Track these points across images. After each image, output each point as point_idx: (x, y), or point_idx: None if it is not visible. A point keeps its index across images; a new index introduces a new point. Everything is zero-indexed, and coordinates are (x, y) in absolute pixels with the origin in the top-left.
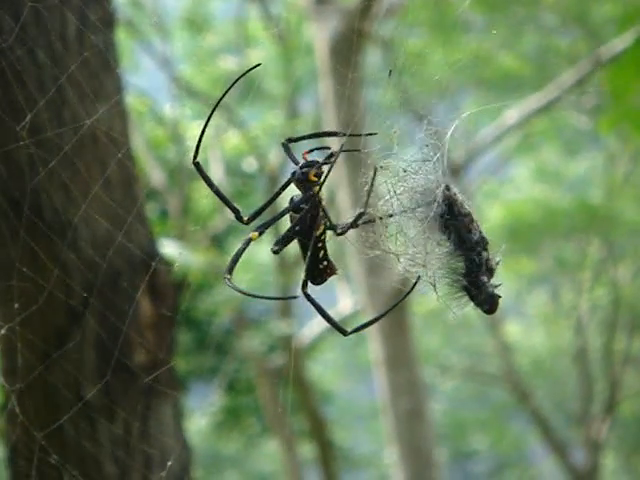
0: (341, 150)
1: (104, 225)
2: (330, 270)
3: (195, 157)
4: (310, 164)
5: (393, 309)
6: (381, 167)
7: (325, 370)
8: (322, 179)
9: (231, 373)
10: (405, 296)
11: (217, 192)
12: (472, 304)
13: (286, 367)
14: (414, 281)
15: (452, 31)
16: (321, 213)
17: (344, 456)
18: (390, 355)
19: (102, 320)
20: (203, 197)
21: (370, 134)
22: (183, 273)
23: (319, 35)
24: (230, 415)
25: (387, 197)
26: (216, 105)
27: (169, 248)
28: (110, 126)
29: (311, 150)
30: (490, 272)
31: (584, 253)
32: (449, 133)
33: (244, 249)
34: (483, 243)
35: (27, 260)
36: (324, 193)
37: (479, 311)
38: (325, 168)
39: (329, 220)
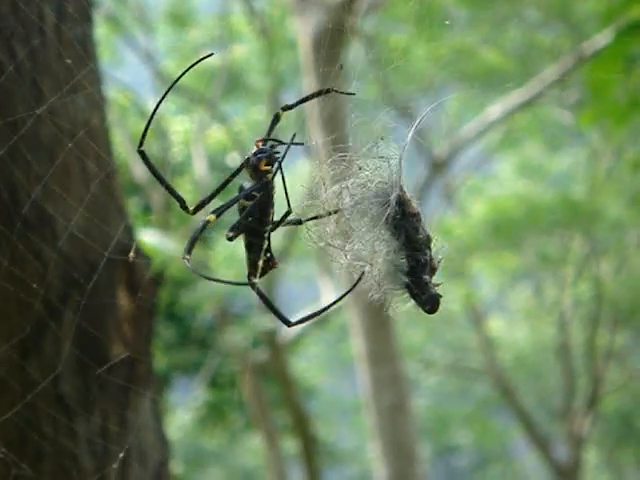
0: (291, 143)
1: (82, 219)
2: (272, 263)
3: (141, 144)
4: (263, 151)
5: (335, 304)
6: (335, 161)
7: (308, 365)
8: (274, 169)
9: (214, 368)
10: (347, 293)
11: (160, 179)
12: (413, 302)
13: (269, 362)
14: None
15: (436, 26)
16: (271, 203)
17: (327, 451)
18: (373, 350)
19: (80, 314)
20: (187, 192)
21: (350, 93)
22: (162, 267)
23: (302, 30)
24: (213, 410)
25: (338, 190)
26: (170, 87)
27: (150, 237)
28: (88, 119)
29: (265, 140)
30: (433, 271)
31: (567, 248)
32: (409, 135)
33: (201, 231)
34: (428, 242)
35: (5, 254)
36: (275, 184)
37: (420, 310)
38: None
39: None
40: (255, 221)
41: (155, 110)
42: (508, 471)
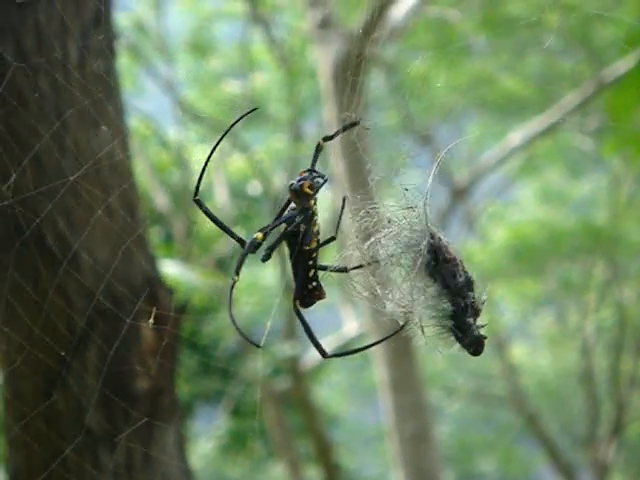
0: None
1: (106, 251)
2: (319, 293)
3: (196, 194)
4: (304, 178)
5: (374, 345)
6: (367, 212)
7: (331, 393)
8: (315, 191)
9: (237, 397)
10: (389, 337)
11: (223, 227)
12: (459, 345)
13: (291, 390)
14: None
15: (456, 54)
16: (314, 229)
17: (350, 479)
18: (395, 378)
19: (104, 346)
20: (208, 221)
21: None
22: (186, 298)
23: (322, 59)
24: (236, 439)
25: (371, 241)
26: (215, 145)
27: (173, 269)
28: (111, 152)
29: (309, 170)
30: (476, 313)
31: (589, 274)
32: (430, 177)
33: (249, 249)
34: (469, 285)
35: (30, 288)
36: (317, 209)
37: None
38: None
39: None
40: (297, 244)
41: (208, 159)
42: None
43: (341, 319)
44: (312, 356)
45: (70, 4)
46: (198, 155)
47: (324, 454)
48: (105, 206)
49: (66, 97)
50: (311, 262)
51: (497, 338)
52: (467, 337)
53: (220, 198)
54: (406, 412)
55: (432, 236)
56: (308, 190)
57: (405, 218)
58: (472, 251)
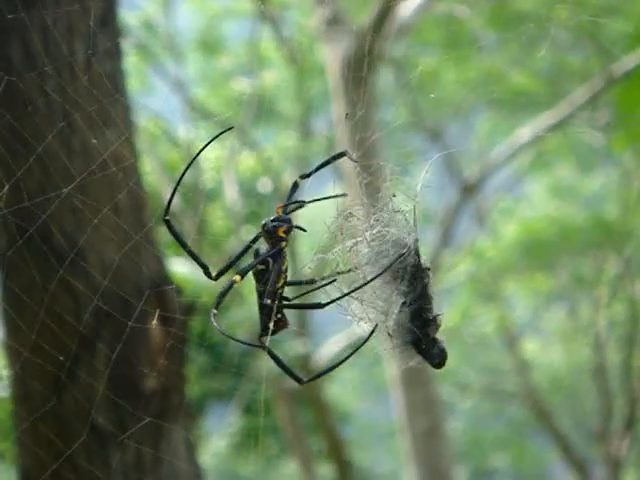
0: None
1: (113, 251)
2: (283, 323)
3: (166, 214)
4: (282, 219)
5: (348, 359)
6: (350, 214)
7: (342, 390)
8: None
9: (248, 394)
10: (361, 345)
11: (188, 250)
12: (420, 358)
13: (303, 387)
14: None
15: (464, 50)
16: (283, 267)
17: (363, 476)
18: (407, 374)
19: (112, 346)
20: (218, 219)
21: (355, 161)
22: (194, 296)
23: (331, 56)
24: (248, 436)
25: (357, 240)
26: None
27: (182, 268)
28: (118, 152)
29: (286, 205)
30: (437, 327)
31: (601, 269)
32: (419, 185)
33: (229, 289)
34: (432, 299)
35: (38, 287)
36: (288, 249)
37: (428, 364)
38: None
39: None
40: (267, 284)
41: (179, 182)
42: None
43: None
44: (324, 353)
45: (76, 5)
46: (208, 153)
47: (336, 451)
48: (112, 206)
49: (73, 98)
50: (278, 298)
51: (509, 334)
52: (432, 348)
53: (230, 196)
54: (418, 408)
55: (417, 240)
56: (282, 235)
57: (392, 221)
58: (483, 247)
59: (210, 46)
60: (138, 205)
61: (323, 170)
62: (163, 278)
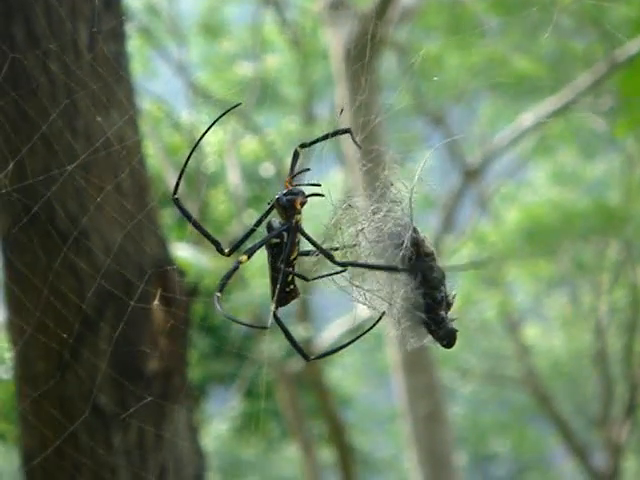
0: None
1: (116, 233)
2: (294, 294)
3: (175, 192)
4: (295, 192)
5: (354, 342)
6: (349, 205)
7: (344, 374)
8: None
9: (250, 378)
10: (366, 332)
11: (197, 225)
12: (430, 338)
13: (304, 371)
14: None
15: (468, 35)
16: (296, 240)
17: (363, 460)
18: (408, 359)
19: (115, 327)
20: (221, 202)
21: (358, 145)
22: (197, 279)
23: (334, 40)
24: (249, 420)
25: (354, 232)
26: (195, 145)
27: (184, 251)
28: (122, 134)
29: (293, 175)
30: (448, 307)
31: (602, 255)
32: (417, 174)
33: (234, 271)
34: (442, 279)
35: (42, 268)
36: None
37: (438, 345)
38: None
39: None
40: (281, 257)
41: (187, 161)
42: (546, 479)
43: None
44: (325, 337)
45: None
46: (210, 137)
47: (337, 435)
48: (115, 186)
49: (77, 80)
50: (291, 269)
51: (510, 319)
52: (440, 330)
53: (233, 180)
54: (419, 393)
55: (415, 230)
56: (299, 207)
57: (390, 211)
58: (485, 232)
59: (213, 30)
60: (141, 186)
61: (328, 155)
62: (166, 260)
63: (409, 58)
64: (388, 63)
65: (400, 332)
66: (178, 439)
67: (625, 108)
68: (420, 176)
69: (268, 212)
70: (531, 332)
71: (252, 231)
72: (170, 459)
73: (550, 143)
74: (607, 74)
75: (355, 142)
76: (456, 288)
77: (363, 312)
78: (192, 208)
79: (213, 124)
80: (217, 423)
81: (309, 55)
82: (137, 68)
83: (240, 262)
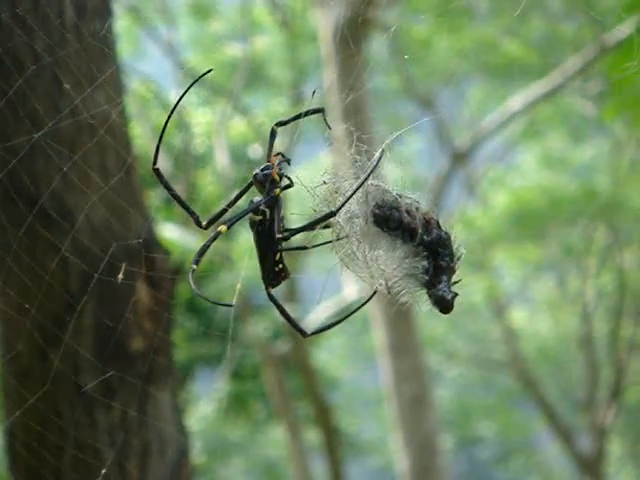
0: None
1: (101, 213)
2: (284, 274)
3: (155, 163)
4: (268, 167)
5: (350, 315)
6: (324, 182)
7: (330, 356)
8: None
9: (236, 359)
10: (361, 306)
11: (175, 197)
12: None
13: (291, 353)
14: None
15: (457, 18)
16: (280, 216)
17: (349, 442)
18: (394, 341)
19: (100, 307)
20: (209, 184)
21: (329, 126)
22: (182, 260)
23: (323, 22)
24: (236, 401)
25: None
26: (174, 107)
27: (171, 232)
28: (107, 114)
29: (277, 154)
30: (451, 271)
31: (590, 239)
32: (377, 154)
33: (212, 241)
34: (442, 240)
35: (25, 248)
36: (283, 195)
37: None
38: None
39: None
40: (266, 235)
41: (164, 129)
42: (531, 462)
43: (340, 283)
44: (312, 319)
45: None
46: (199, 118)
47: (323, 417)
48: (100, 167)
49: (62, 58)
50: (279, 247)
51: (497, 303)
52: (434, 295)
53: (221, 161)
54: (405, 376)
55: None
56: (277, 178)
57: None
58: (472, 216)
59: (202, 10)
60: (127, 167)
61: (316, 136)
62: (151, 241)
63: (399, 41)
64: (377, 46)
65: (408, 298)
66: (162, 421)
67: (613, 93)
68: (391, 142)
69: (246, 189)
70: (518, 316)
71: (230, 205)
72: (154, 439)
73: (539, 127)
74: (596, 58)
75: (326, 122)
76: (463, 248)
77: (350, 294)
78: (179, 189)
79: (187, 90)
80: (203, 404)
81: (298, 37)
82: (126, 48)
83: (220, 232)
